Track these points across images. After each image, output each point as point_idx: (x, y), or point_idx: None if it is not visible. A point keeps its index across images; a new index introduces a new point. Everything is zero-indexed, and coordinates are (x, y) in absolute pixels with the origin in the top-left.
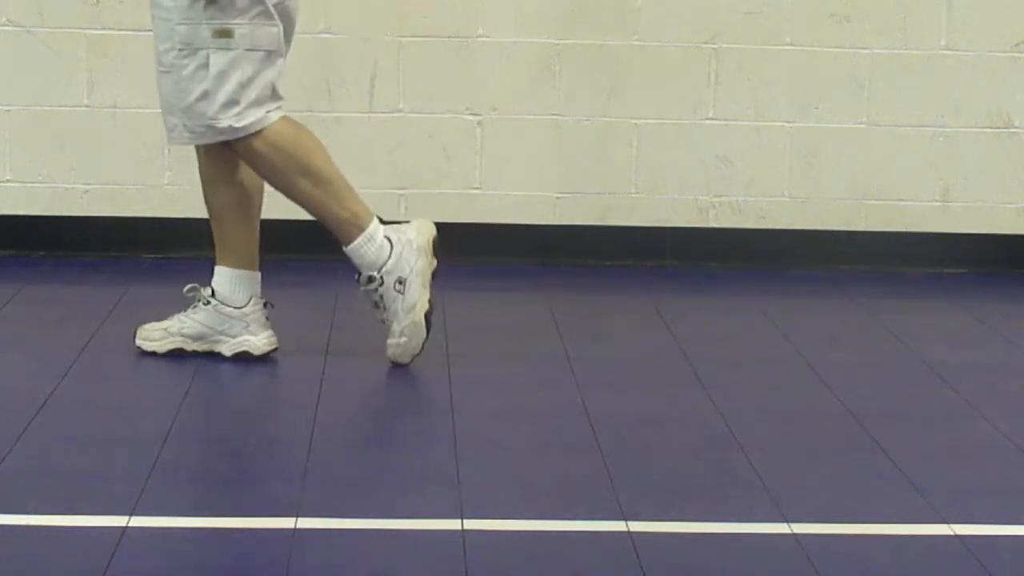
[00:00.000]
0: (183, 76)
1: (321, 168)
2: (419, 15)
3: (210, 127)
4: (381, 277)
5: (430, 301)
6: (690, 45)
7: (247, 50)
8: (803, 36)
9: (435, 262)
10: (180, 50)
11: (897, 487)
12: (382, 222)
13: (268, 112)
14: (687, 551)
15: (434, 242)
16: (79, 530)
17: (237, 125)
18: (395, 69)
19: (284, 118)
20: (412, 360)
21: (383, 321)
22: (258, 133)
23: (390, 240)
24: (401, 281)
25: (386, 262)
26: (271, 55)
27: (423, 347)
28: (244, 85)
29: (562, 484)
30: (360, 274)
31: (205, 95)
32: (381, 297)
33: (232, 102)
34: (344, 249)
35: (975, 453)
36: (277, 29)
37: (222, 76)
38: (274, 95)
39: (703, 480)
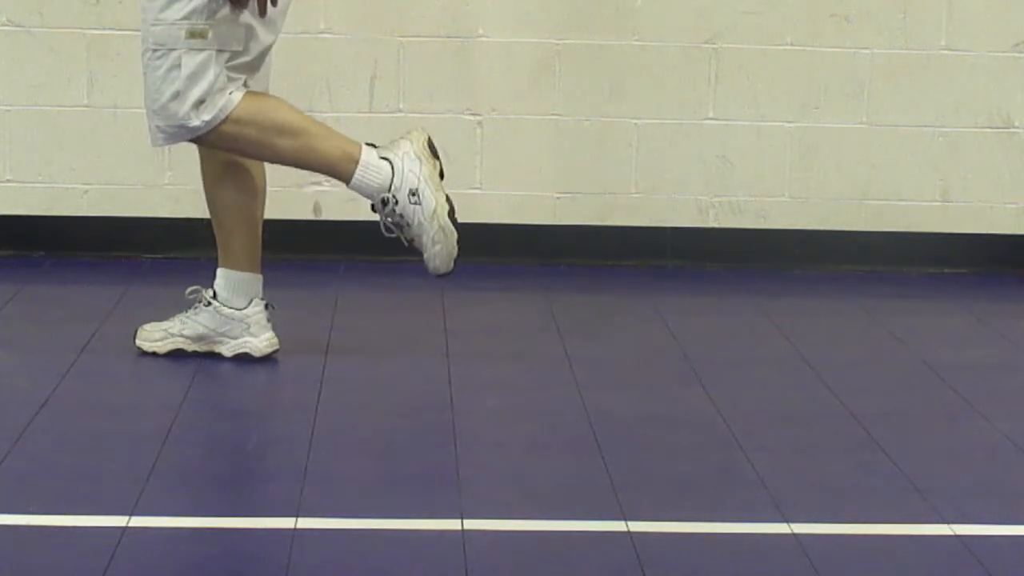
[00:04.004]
0: (156, 77)
1: (293, 121)
2: (419, 15)
3: (182, 127)
4: (393, 196)
5: (448, 200)
6: (690, 45)
7: (219, 51)
8: (803, 36)
9: (438, 162)
10: (154, 51)
11: (897, 487)
12: (372, 146)
13: (231, 93)
14: (687, 551)
15: (430, 143)
16: (79, 530)
17: (207, 118)
18: (395, 69)
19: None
20: (455, 266)
21: (410, 241)
22: (225, 118)
23: (388, 159)
24: (413, 192)
25: (392, 180)
26: (239, 55)
27: (459, 248)
28: (212, 84)
29: (562, 484)
30: (373, 203)
31: (176, 95)
32: (400, 216)
33: (201, 101)
34: (347, 187)
35: (975, 453)
36: (249, 27)
37: (194, 77)
38: (230, 80)
39: (703, 480)
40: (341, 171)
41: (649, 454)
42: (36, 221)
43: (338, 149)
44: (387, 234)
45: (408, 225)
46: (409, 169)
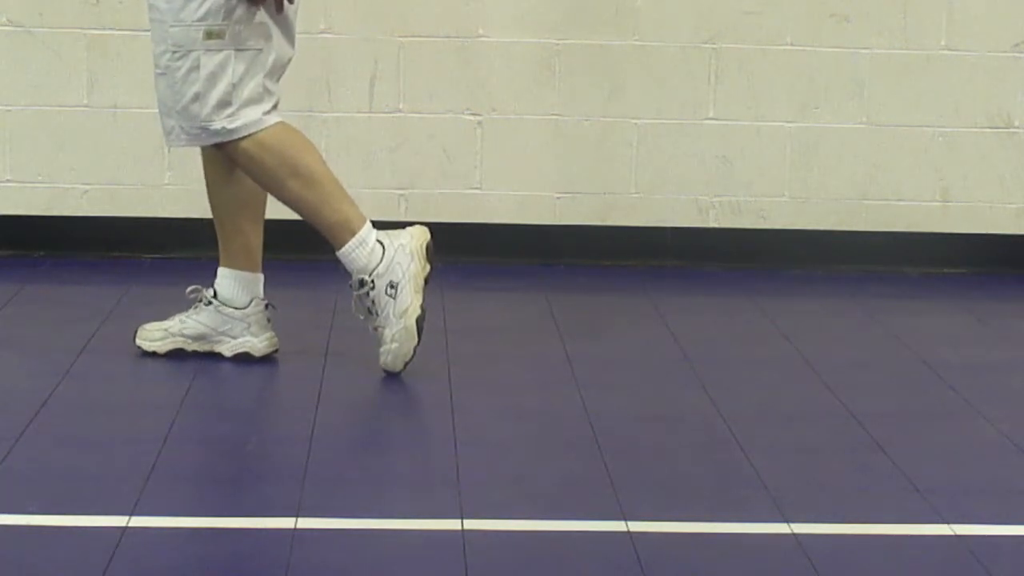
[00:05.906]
0: (176, 78)
1: (312, 169)
2: (419, 15)
3: (204, 129)
4: (372, 281)
5: (422, 306)
6: (690, 45)
7: (237, 50)
8: (803, 36)
9: (428, 267)
10: (173, 52)
11: (897, 487)
12: (375, 227)
13: (264, 114)
14: (687, 551)
15: (428, 247)
16: (79, 530)
17: (230, 127)
18: (395, 69)
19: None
20: (404, 367)
21: (375, 329)
22: (250, 135)
23: (382, 244)
24: (393, 285)
25: (377, 266)
26: (261, 53)
27: (415, 353)
28: (236, 85)
29: (562, 484)
30: (351, 281)
31: (197, 97)
32: (373, 302)
33: (224, 103)
34: (336, 253)
35: (975, 453)
36: (265, 26)
37: (213, 78)
38: (267, 93)
39: (703, 480)
40: (335, 236)
41: (649, 454)
42: (36, 221)
43: (341, 215)
44: (356, 314)
45: (376, 315)
46: (398, 261)
